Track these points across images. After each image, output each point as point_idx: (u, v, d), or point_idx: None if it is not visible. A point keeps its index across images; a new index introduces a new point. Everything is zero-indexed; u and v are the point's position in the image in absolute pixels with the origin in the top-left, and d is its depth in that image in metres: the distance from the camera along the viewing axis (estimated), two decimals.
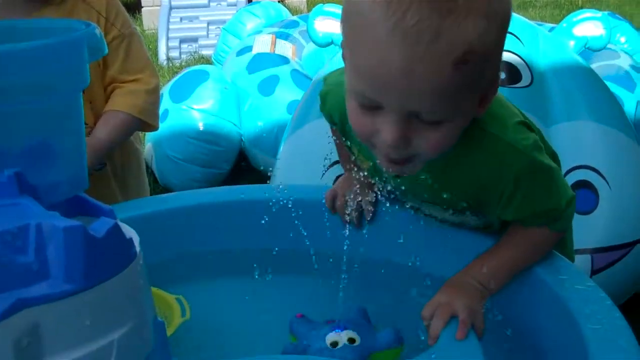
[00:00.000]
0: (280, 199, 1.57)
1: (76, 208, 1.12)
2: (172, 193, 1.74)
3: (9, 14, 1.70)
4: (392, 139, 1.10)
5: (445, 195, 1.31)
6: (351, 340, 1.24)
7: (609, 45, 3.67)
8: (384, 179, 1.37)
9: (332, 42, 3.17)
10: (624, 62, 3.73)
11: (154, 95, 1.93)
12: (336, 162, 2.58)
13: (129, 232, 1.09)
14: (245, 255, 1.62)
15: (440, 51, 1.02)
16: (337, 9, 3.16)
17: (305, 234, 1.55)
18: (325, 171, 2.60)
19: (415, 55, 1.02)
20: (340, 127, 1.39)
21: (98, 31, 1.04)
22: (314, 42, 3.23)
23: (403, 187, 1.38)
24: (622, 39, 4.35)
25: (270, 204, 1.56)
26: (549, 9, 6.70)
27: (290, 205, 1.58)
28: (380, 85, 1.07)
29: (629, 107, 3.34)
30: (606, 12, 4.49)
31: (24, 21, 1.42)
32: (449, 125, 1.11)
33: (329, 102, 1.40)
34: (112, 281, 0.98)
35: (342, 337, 1.24)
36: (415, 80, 1.04)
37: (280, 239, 1.56)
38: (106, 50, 1.04)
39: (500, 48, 1.10)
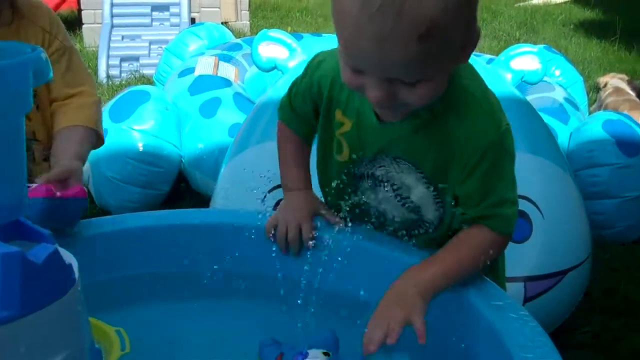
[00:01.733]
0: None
1: (16, 232, 1.11)
2: (126, 214, 1.72)
3: None
4: (376, 99, 1.25)
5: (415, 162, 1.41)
6: (326, 354, 1.30)
7: (544, 78, 3.78)
8: (358, 157, 1.47)
9: (275, 67, 3.19)
10: (559, 94, 3.84)
11: (100, 108, 1.94)
12: (277, 187, 2.61)
13: (68, 257, 1.09)
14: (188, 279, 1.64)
15: (404, 29, 1.14)
16: (282, 35, 3.19)
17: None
18: (266, 195, 2.61)
19: (382, 34, 1.14)
20: (327, 94, 1.48)
21: (44, 55, 1.03)
22: (257, 66, 3.25)
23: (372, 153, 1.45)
24: (557, 72, 4.49)
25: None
26: (488, 40, 6.85)
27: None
28: (359, 58, 1.22)
29: (563, 138, 3.45)
30: (542, 46, 4.63)
31: None
32: (430, 83, 1.24)
33: (322, 68, 1.49)
34: (50, 308, 0.97)
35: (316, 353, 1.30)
36: (386, 55, 1.17)
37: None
38: (51, 75, 1.04)
39: (463, 23, 1.20)
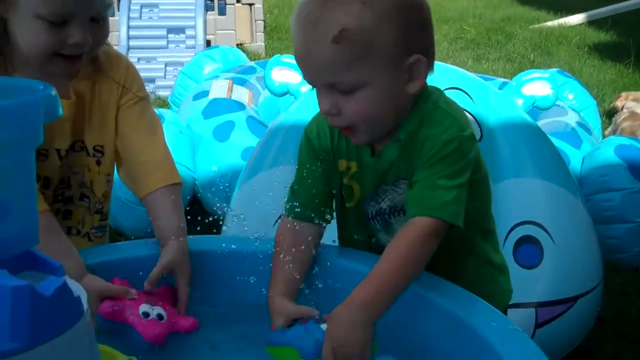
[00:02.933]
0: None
1: (26, 263, 1.13)
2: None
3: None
4: (323, 109, 1.45)
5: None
6: None
7: (557, 102, 3.79)
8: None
9: (287, 92, 3.22)
10: (571, 119, 3.85)
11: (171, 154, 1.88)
12: None
13: (77, 289, 1.11)
14: None
15: (321, 32, 1.38)
16: (294, 60, 3.22)
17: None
18: (277, 221, 2.63)
19: (307, 38, 1.40)
20: (330, 146, 1.60)
21: (54, 92, 1.05)
22: (270, 91, 3.28)
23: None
24: (570, 96, 4.49)
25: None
26: (502, 63, 6.87)
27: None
28: (301, 66, 1.45)
29: (575, 163, 3.45)
30: (555, 70, 4.65)
31: None
32: (363, 94, 1.41)
33: (315, 125, 1.62)
34: (58, 339, 0.99)
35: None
36: (312, 57, 1.40)
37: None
38: (61, 112, 1.06)
39: (392, 32, 1.39)
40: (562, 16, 8.88)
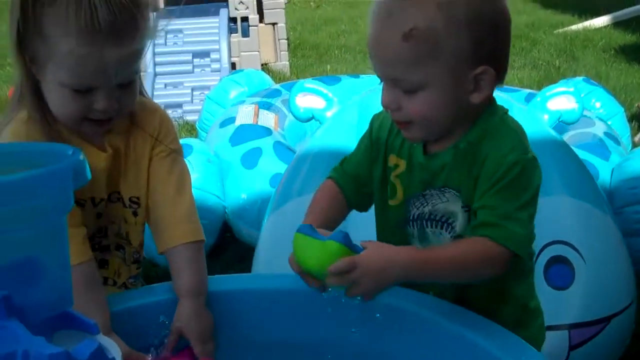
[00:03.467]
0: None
1: (62, 322, 1.17)
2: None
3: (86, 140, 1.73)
4: (383, 102, 1.50)
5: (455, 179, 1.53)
6: None
7: (584, 112, 3.77)
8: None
9: (312, 117, 3.25)
10: (599, 129, 3.82)
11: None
12: None
13: (112, 348, 1.14)
14: None
15: (392, 27, 1.43)
16: (318, 85, 3.25)
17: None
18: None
19: (379, 30, 1.45)
20: (384, 140, 1.65)
21: (82, 157, 1.09)
22: (295, 117, 3.32)
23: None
24: (597, 104, 4.45)
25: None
26: (527, 70, 6.83)
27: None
28: (371, 56, 1.49)
29: (604, 175, 3.43)
30: (581, 79, 4.62)
31: (13, 145, 1.47)
32: (424, 95, 1.45)
33: (381, 120, 1.68)
34: None
35: None
36: (381, 50, 1.47)
37: None
38: (89, 176, 1.09)
39: (462, 40, 1.42)
40: (586, 19, 8.81)
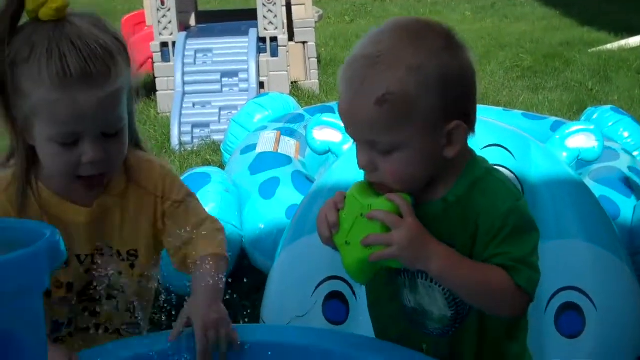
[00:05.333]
0: None
1: None
2: None
3: (71, 200, 1.76)
4: (360, 164, 1.53)
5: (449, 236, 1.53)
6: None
7: (608, 144, 3.71)
8: None
9: (329, 151, 3.24)
10: (623, 163, 3.75)
11: (224, 234, 1.91)
12: (330, 278, 2.65)
13: None
14: None
15: (366, 92, 1.46)
16: (335, 119, 3.24)
17: None
18: (317, 288, 2.65)
19: (352, 96, 1.48)
20: None
21: (58, 237, 1.10)
22: (312, 149, 3.32)
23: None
24: (625, 134, 4.39)
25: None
26: (559, 92, 6.74)
27: None
28: (344, 121, 1.54)
29: (626, 212, 3.36)
30: (609, 107, 4.56)
31: None
32: (400, 156, 1.48)
33: None
34: None
35: None
36: (355, 114, 1.49)
37: None
38: (65, 256, 1.10)
39: (434, 99, 1.46)
40: (622, 38, 8.69)
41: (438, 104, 1.47)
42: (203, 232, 1.81)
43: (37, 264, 1.06)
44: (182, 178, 3.65)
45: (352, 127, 1.52)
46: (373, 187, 1.55)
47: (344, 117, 1.53)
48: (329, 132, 3.23)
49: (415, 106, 1.46)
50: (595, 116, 4.45)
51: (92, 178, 1.69)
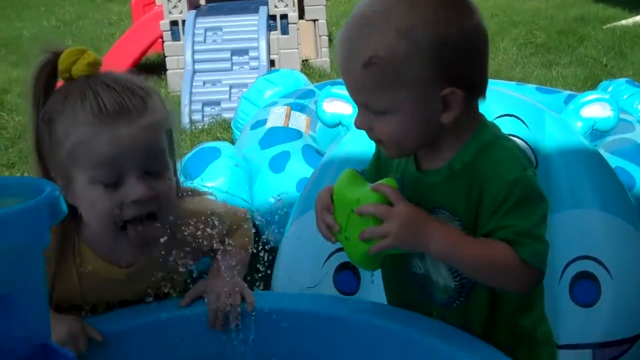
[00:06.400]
0: None
1: (40, 354, 1.15)
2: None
3: (112, 261, 1.73)
4: (356, 124, 1.52)
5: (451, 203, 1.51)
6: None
7: (623, 116, 3.65)
8: None
9: (339, 123, 3.21)
10: (638, 135, 3.69)
11: (251, 226, 1.98)
12: (340, 249, 2.62)
13: None
14: None
15: (354, 55, 1.44)
16: (345, 92, 3.20)
17: None
18: (327, 259, 2.62)
19: (343, 58, 1.47)
20: (384, 160, 1.67)
21: (57, 192, 1.07)
22: (322, 122, 3.28)
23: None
24: None
25: None
26: (573, 67, 6.66)
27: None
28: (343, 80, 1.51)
29: None
30: (624, 80, 4.49)
31: None
32: (392, 117, 1.45)
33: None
34: None
35: None
36: (346, 76, 1.48)
37: None
38: (66, 211, 1.08)
39: (425, 64, 1.41)
40: (637, 13, 8.58)
41: (430, 69, 1.42)
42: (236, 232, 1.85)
43: (37, 219, 1.03)
44: (191, 154, 3.67)
45: (347, 89, 1.52)
46: (360, 174, 1.56)
47: (343, 79, 1.52)
48: (340, 104, 3.19)
49: (403, 70, 1.41)
50: (610, 89, 4.38)
51: (141, 222, 1.62)
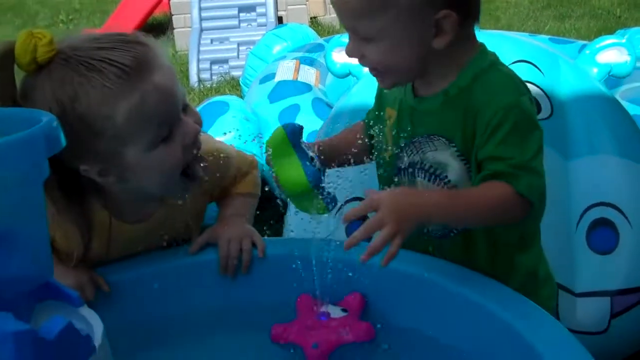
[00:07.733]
0: None
1: (46, 292, 1.12)
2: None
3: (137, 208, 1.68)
4: (346, 51, 1.47)
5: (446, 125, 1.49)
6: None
7: (638, 64, 3.57)
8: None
9: (349, 73, 3.14)
10: None
11: (258, 170, 1.94)
12: (354, 199, 2.58)
13: (94, 320, 1.08)
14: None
15: None
16: None
17: None
18: (341, 207, 2.57)
19: None
20: (383, 93, 1.66)
21: (55, 123, 1.02)
22: (331, 73, 3.21)
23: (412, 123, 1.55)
24: None
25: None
26: (586, 20, 6.55)
27: None
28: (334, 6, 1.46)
29: None
30: (637, 28, 4.39)
31: None
32: (382, 43, 1.40)
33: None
34: None
35: None
36: (336, 4, 1.42)
37: None
38: (64, 142, 1.03)
39: None
40: None
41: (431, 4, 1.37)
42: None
43: (34, 148, 0.99)
44: (199, 108, 3.61)
45: (338, 14, 1.47)
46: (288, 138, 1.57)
47: (334, 7, 1.47)
48: None
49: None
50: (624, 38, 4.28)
51: (194, 167, 1.59)
